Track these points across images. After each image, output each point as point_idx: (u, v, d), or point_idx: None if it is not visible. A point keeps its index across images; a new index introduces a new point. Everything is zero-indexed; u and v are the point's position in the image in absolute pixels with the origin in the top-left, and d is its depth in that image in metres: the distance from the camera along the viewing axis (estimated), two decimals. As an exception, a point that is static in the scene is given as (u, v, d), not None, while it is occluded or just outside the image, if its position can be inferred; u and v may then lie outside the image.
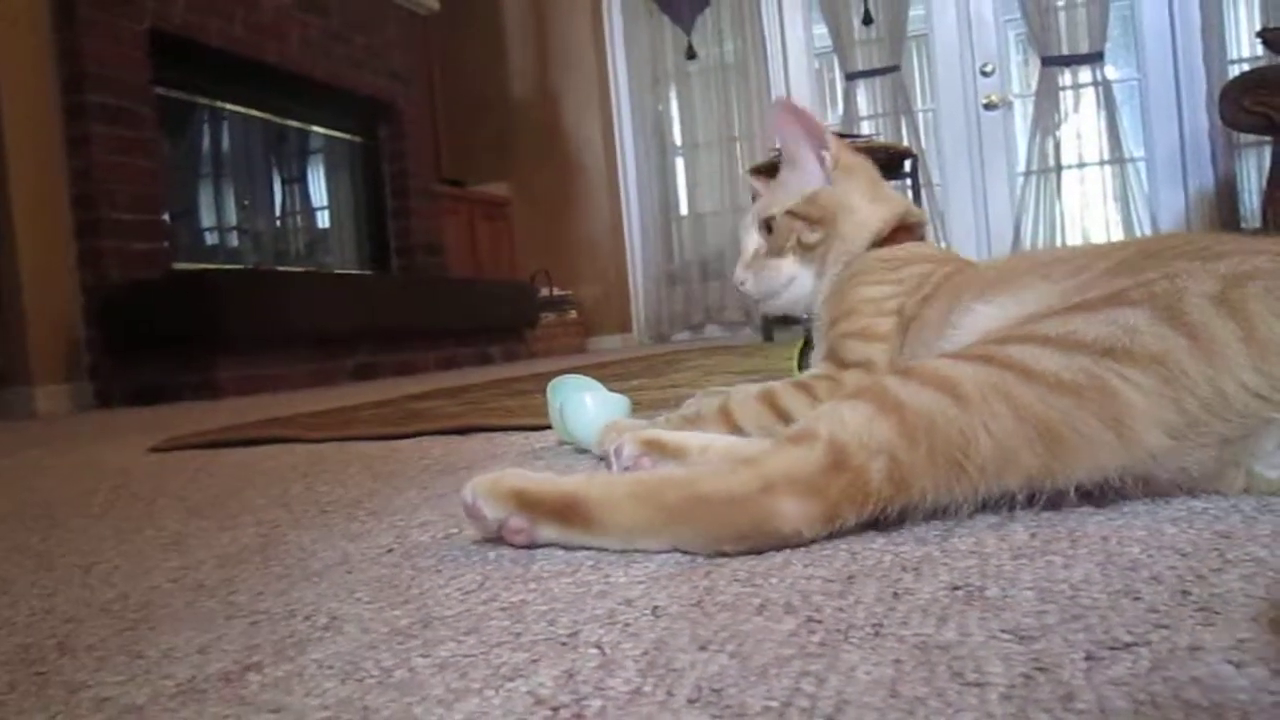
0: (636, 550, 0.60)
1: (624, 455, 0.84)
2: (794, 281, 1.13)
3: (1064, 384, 0.57)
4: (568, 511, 0.61)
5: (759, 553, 0.57)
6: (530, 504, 0.62)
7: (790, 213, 1.11)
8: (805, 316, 1.18)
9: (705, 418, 0.99)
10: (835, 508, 0.57)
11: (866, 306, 1.01)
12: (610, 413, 1.11)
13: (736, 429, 0.96)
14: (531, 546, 0.63)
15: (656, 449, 0.84)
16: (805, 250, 1.11)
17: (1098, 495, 0.60)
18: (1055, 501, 0.62)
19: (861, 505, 0.57)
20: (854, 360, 0.99)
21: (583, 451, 1.11)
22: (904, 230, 1.12)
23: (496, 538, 0.65)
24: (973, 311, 0.82)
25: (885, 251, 1.08)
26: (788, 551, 0.57)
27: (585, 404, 1.13)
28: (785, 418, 0.95)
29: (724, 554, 0.58)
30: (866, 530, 0.60)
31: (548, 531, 0.62)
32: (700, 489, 0.58)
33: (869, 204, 1.11)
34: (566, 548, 0.62)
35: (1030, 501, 0.60)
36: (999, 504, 0.61)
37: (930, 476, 0.57)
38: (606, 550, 0.61)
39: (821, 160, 1.11)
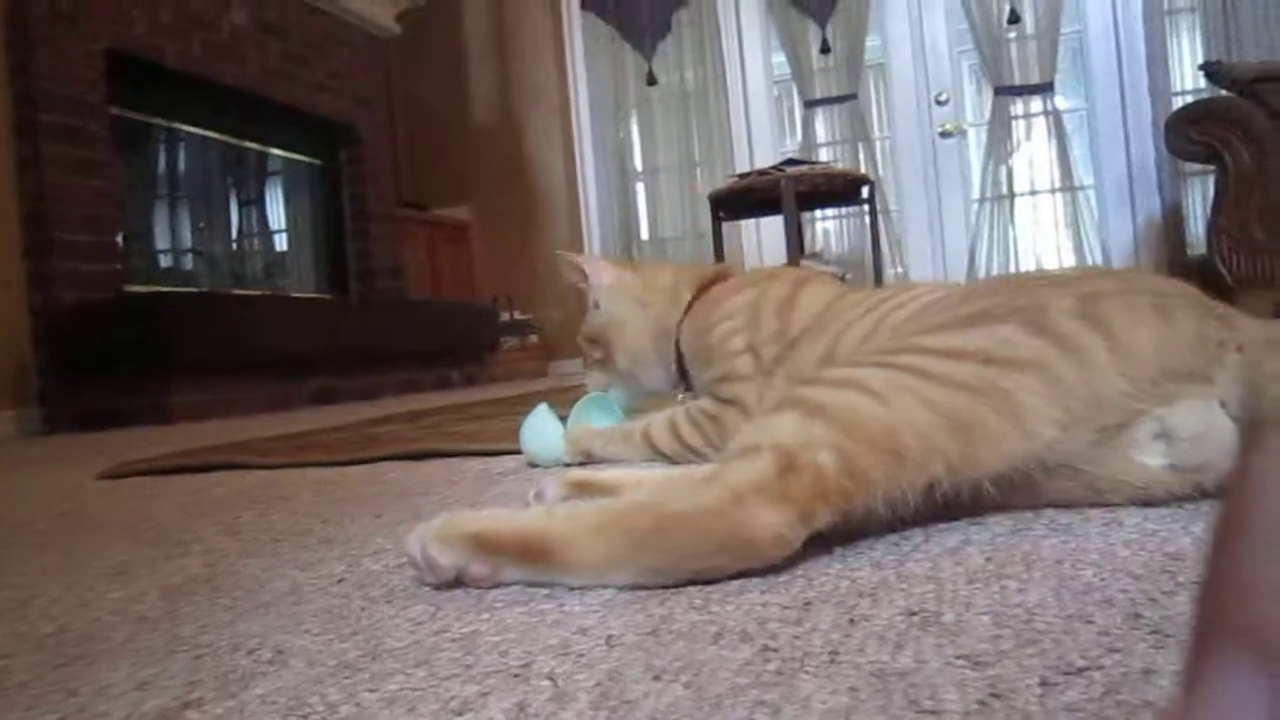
0: (607, 585, 0.57)
1: (547, 498, 0.83)
2: (610, 388, 1.26)
3: (961, 384, 0.60)
4: (531, 552, 0.58)
5: (734, 572, 0.56)
6: (490, 546, 0.59)
7: (581, 337, 1.30)
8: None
9: (631, 434, 1.12)
10: (806, 506, 0.56)
11: (715, 352, 1.11)
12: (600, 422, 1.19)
13: (653, 446, 1.10)
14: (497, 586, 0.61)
15: (584, 489, 0.83)
16: (600, 365, 1.27)
17: (1006, 489, 0.62)
18: (1016, 521, 0.62)
19: (827, 500, 0.56)
20: (726, 398, 1.08)
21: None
22: (704, 289, 1.22)
23: (453, 584, 0.61)
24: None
25: (707, 299, 1.20)
26: (744, 579, 0.56)
27: (543, 420, 1.15)
28: (686, 442, 1.08)
29: (695, 580, 0.56)
30: (823, 555, 0.60)
31: (514, 573, 0.59)
32: (670, 508, 0.56)
33: (639, 311, 1.23)
34: (535, 585, 0.60)
35: (945, 504, 0.61)
36: (951, 524, 0.61)
37: (878, 466, 0.58)
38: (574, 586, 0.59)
39: (590, 290, 1.29)
